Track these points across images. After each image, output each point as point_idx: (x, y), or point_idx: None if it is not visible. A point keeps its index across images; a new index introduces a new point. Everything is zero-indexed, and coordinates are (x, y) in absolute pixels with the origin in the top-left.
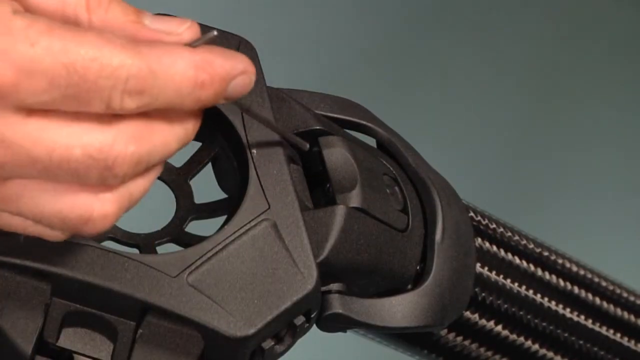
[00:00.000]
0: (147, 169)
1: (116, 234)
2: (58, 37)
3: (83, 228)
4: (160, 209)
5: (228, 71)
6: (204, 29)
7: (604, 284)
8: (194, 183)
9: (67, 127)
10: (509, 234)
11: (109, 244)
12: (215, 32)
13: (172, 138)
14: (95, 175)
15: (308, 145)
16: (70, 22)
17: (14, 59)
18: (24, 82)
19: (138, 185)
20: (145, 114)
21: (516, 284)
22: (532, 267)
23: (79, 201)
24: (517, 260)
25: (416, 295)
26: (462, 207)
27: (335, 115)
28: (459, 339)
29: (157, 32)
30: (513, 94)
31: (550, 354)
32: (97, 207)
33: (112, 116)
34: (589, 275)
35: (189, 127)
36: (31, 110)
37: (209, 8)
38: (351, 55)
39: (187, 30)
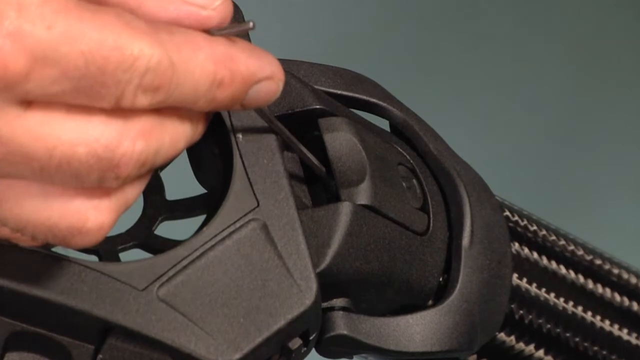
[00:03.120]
0: (148, 171)
1: None
2: (76, 19)
3: (72, 240)
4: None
5: (253, 72)
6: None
7: None
8: (166, 175)
9: (71, 122)
10: (553, 237)
11: (61, 250)
12: (251, 24)
13: (181, 136)
14: (95, 176)
15: (324, 169)
16: None
17: (28, 43)
18: (37, 71)
19: (134, 190)
20: (156, 109)
21: (561, 299)
22: (581, 279)
23: (71, 208)
24: (562, 269)
25: (439, 313)
26: (496, 204)
27: (340, 92)
28: None
29: (188, 5)
30: (557, 72)
31: None
32: (92, 216)
33: (119, 110)
34: None
35: (199, 128)
36: (32, 102)
37: None
38: (360, 19)
39: (220, 5)
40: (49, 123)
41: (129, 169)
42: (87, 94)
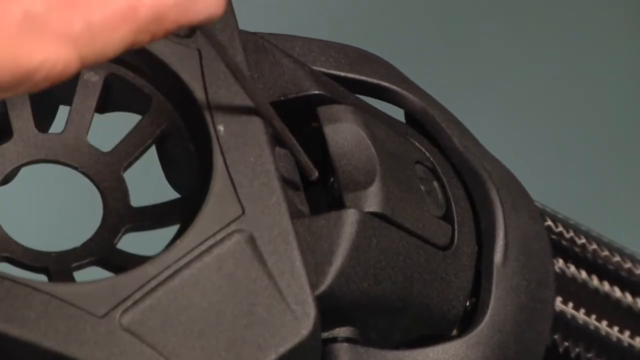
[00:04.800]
0: None
1: (14, 252)
2: None
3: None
4: (80, 215)
5: None
6: None
7: None
8: (130, 176)
9: None
10: (606, 252)
11: (3, 268)
12: None
13: None
14: None
15: (317, 174)
16: None
17: None
18: None
19: None
20: None
21: (615, 328)
22: (639, 303)
23: None
24: (617, 292)
25: (465, 345)
26: (535, 212)
27: (344, 74)
28: None
29: None
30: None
31: None
32: None
33: None
34: None
35: None
36: None
37: None
38: None
39: None
40: None
41: None
42: None
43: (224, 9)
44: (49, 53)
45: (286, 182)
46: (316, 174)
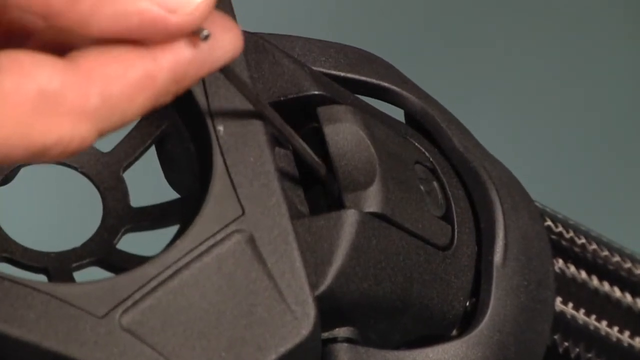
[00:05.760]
0: None
1: (14, 252)
2: None
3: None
4: (80, 215)
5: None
6: None
7: None
8: (130, 176)
9: None
10: (605, 252)
11: (2, 268)
12: None
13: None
14: None
15: (325, 168)
16: None
17: None
18: None
19: None
20: None
21: (615, 328)
22: (639, 303)
23: None
24: (616, 292)
25: (465, 345)
26: (535, 212)
27: (343, 74)
28: None
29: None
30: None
31: None
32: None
33: None
34: None
35: None
36: None
37: None
38: None
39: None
40: None
41: None
42: None
43: (243, 45)
44: (64, 131)
45: (286, 183)
46: (324, 168)
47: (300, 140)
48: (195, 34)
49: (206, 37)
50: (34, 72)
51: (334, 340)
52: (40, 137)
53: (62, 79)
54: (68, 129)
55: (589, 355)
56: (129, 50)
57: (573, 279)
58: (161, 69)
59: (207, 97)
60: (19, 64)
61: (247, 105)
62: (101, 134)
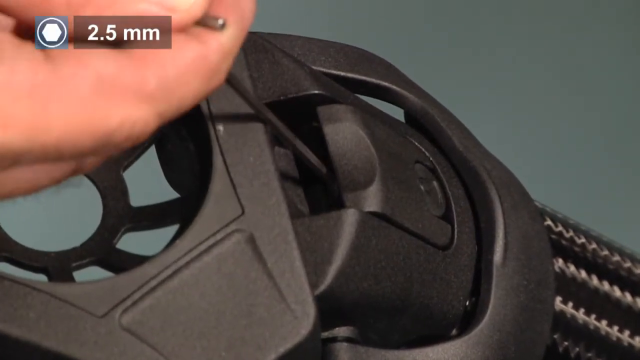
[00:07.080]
0: None
1: (14, 252)
2: None
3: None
4: (80, 215)
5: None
6: None
7: None
8: (130, 176)
9: None
10: (605, 252)
11: (2, 268)
12: None
13: None
14: None
15: (325, 168)
16: None
17: None
18: None
19: None
20: None
21: (615, 328)
22: (639, 303)
23: None
24: (616, 291)
25: (465, 345)
26: (535, 212)
27: (343, 74)
28: None
29: None
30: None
31: None
32: None
33: None
34: None
35: None
36: None
37: None
38: None
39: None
40: None
41: None
42: None
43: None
44: (126, 114)
45: (286, 182)
46: (325, 168)
47: (301, 143)
48: (210, 26)
49: (222, 26)
50: (89, 58)
51: (334, 339)
52: (103, 120)
53: (118, 64)
54: (129, 111)
55: (589, 354)
56: (177, 36)
57: (573, 279)
58: (211, 48)
59: (207, 99)
60: (74, 54)
61: (247, 107)
62: (162, 119)
